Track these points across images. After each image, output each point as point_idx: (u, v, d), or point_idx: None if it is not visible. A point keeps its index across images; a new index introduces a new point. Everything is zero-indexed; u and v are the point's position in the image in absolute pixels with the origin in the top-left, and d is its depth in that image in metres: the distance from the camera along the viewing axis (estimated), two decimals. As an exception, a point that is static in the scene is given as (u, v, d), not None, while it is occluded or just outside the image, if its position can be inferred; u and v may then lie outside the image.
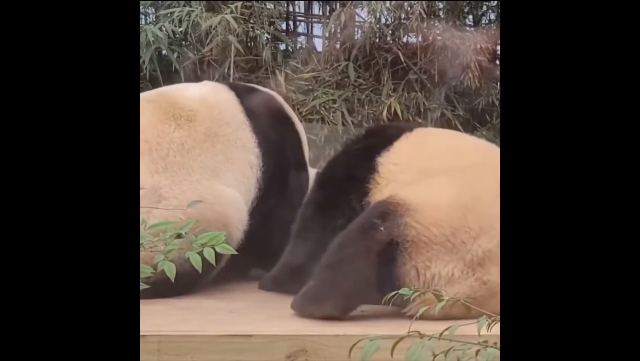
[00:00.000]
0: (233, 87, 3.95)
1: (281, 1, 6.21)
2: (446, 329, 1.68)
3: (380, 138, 3.36)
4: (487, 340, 1.66)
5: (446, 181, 2.99)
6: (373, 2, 5.75)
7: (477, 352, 1.64)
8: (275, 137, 3.83)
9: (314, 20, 6.59)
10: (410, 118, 5.73)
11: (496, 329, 1.73)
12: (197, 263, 2.74)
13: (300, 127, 4.08)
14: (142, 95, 3.68)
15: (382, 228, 2.83)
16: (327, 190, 3.36)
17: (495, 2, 6.40)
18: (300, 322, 2.75)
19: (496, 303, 1.95)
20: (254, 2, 5.86)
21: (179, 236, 2.66)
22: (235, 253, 3.02)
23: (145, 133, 3.40)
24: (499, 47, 6.33)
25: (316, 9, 6.60)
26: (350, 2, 5.89)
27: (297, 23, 6.62)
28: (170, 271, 2.59)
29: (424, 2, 5.82)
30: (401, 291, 1.94)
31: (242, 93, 3.89)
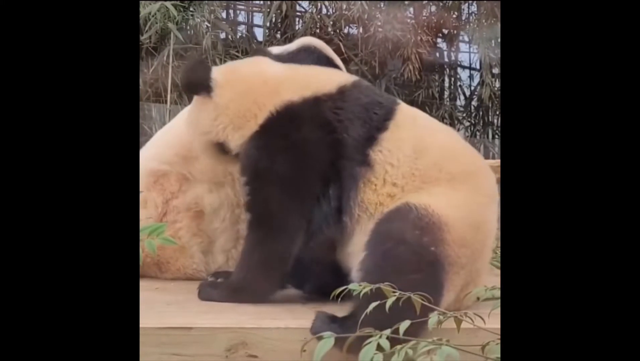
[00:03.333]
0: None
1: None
2: (396, 327, 1.66)
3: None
4: (441, 338, 1.64)
5: (456, 191, 2.46)
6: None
7: (430, 351, 1.60)
8: None
9: (254, 9, 6.55)
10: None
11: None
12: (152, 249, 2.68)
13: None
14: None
15: (432, 249, 2.29)
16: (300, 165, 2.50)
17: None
18: (240, 315, 2.71)
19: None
20: (194, -11, 5.81)
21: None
22: (177, 244, 2.99)
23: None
24: (439, 40, 6.38)
25: (257, -3, 6.57)
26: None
27: (238, 12, 6.58)
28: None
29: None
30: (350, 287, 1.90)
31: None
